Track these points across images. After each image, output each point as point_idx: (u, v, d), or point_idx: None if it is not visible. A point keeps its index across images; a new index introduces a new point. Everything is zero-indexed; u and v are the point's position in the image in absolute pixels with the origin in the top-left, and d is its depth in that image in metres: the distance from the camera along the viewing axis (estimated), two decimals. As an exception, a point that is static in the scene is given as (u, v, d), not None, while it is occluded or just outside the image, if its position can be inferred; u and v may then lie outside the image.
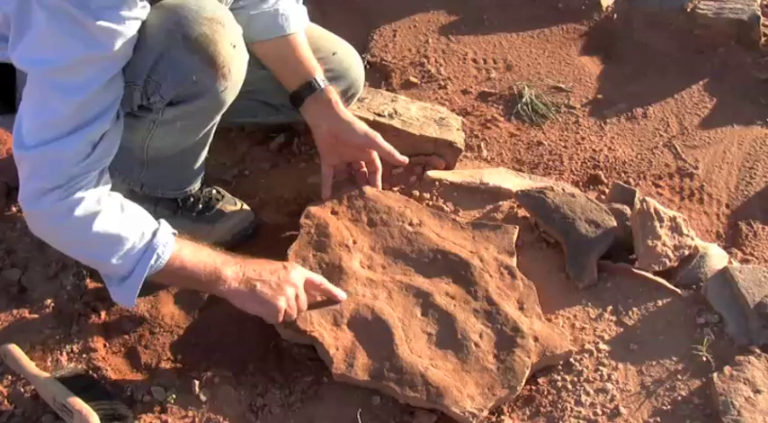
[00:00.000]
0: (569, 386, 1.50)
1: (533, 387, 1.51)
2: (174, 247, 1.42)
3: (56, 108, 1.32)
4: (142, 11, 1.34)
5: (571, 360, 1.53)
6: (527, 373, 1.48)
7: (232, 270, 1.46)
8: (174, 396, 1.48)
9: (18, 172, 1.39)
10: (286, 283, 1.48)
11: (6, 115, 1.60)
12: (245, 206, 1.81)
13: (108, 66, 1.34)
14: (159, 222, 1.45)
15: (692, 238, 1.68)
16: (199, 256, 1.45)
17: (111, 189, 1.72)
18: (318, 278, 1.55)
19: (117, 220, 1.39)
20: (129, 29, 1.32)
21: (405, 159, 1.75)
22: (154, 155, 1.59)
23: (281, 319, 1.49)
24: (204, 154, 1.68)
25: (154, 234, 1.41)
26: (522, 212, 1.80)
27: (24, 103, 1.35)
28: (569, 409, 1.47)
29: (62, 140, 1.33)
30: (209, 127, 1.59)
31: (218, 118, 1.57)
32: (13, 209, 1.83)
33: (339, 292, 1.56)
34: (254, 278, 1.47)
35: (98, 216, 1.37)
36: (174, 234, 1.46)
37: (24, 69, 1.34)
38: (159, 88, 1.42)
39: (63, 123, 1.33)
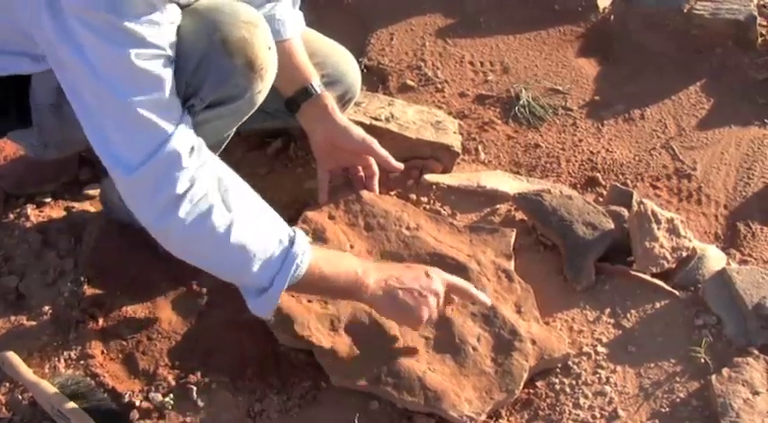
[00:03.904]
0: (567, 389, 1.50)
1: (531, 390, 1.51)
2: (311, 255, 1.38)
3: (145, 116, 1.28)
4: (175, 14, 1.34)
5: (569, 363, 1.53)
6: (525, 376, 1.48)
7: (373, 277, 1.43)
8: (171, 402, 1.47)
9: (134, 199, 1.34)
10: (428, 292, 1.45)
11: (19, 130, 1.60)
12: (244, 211, 1.80)
13: (164, 60, 1.31)
14: (294, 229, 1.41)
15: (690, 240, 1.68)
16: (338, 264, 1.42)
17: (112, 190, 1.72)
18: (461, 282, 1.52)
19: (253, 226, 1.35)
20: (169, 31, 1.32)
21: (400, 166, 1.75)
22: None
23: (419, 328, 1.48)
24: (216, 155, 1.67)
25: (291, 242, 1.37)
26: (519, 215, 1.80)
27: (106, 129, 1.30)
28: (568, 412, 1.47)
29: (170, 141, 1.29)
30: (232, 130, 1.58)
31: (242, 121, 1.56)
32: (11, 216, 1.82)
33: (484, 298, 1.53)
34: (396, 286, 1.43)
35: (236, 223, 1.33)
36: (310, 241, 1.42)
37: (92, 88, 1.28)
38: (199, 92, 1.40)
39: (162, 125, 1.29)
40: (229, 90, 1.43)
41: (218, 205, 1.33)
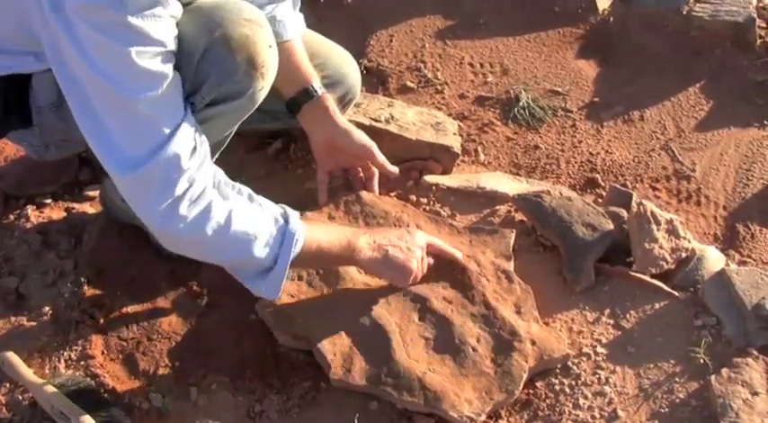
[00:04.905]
0: (567, 390, 1.50)
1: (531, 391, 1.51)
2: (305, 229, 1.44)
3: (147, 114, 1.29)
4: (177, 9, 1.34)
5: (569, 363, 1.54)
6: (525, 376, 1.48)
7: (364, 240, 1.51)
8: (171, 402, 1.48)
9: (135, 200, 1.35)
10: (414, 246, 1.55)
11: (19, 130, 1.60)
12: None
13: (166, 57, 1.32)
14: (283, 207, 1.45)
15: (689, 241, 1.68)
16: (330, 233, 1.50)
17: (112, 191, 1.72)
18: (437, 241, 1.62)
19: (251, 211, 1.40)
20: (171, 25, 1.32)
21: (395, 171, 1.76)
22: None
23: (410, 281, 1.56)
24: (217, 155, 1.67)
25: (286, 220, 1.42)
26: (519, 216, 1.80)
27: (106, 126, 1.30)
28: (567, 412, 1.47)
29: (172, 141, 1.30)
30: (234, 127, 1.59)
31: (244, 119, 1.57)
32: (11, 217, 1.83)
33: (456, 252, 1.63)
34: (384, 244, 1.52)
35: (234, 212, 1.36)
36: (300, 216, 1.47)
37: (94, 85, 1.29)
38: (201, 89, 1.41)
39: (163, 124, 1.30)
40: (231, 87, 1.43)
41: (216, 198, 1.36)
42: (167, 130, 1.30)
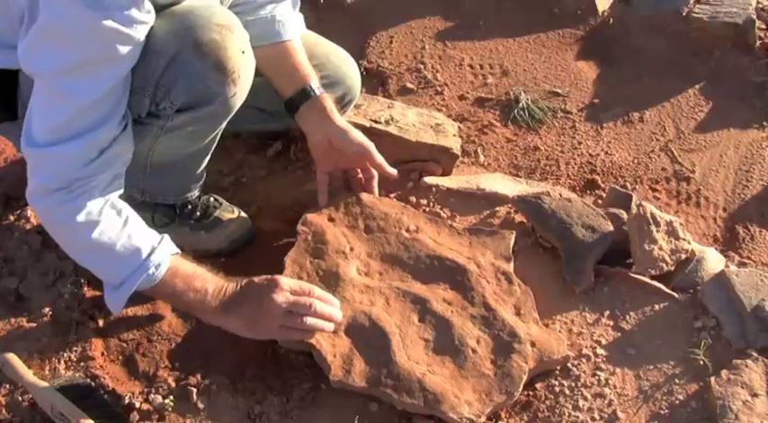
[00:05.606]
0: (567, 391, 1.50)
1: (531, 392, 1.51)
2: (165, 270, 1.44)
3: (61, 110, 1.34)
4: (149, 15, 1.35)
5: (568, 365, 1.54)
6: (524, 378, 1.48)
7: (222, 302, 1.46)
8: (171, 404, 1.47)
9: (28, 167, 1.41)
10: (268, 313, 1.46)
11: (7, 123, 1.61)
12: (243, 214, 1.81)
13: (115, 70, 1.35)
14: (161, 240, 1.46)
15: (689, 242, 1.68)
16: (192, 282, 1.46)
17: None
18: (307, 287, 1.51)
19: (115, 234, 1.41)
20: (138, 33, 1.33)
21: (394, 172, 1.76)
22: (158, 161, 1.59)
23: (283, 334, 1.50)
24: (207, 160, 1.68)
25: (150, 253, 1.43)
26: (518, 218, 1.80)
27: (34, 100, 1.37)
28: (567, 414, 1.47)
29: (66, 144, 1.35)
30: (215, 133, 1.59)
31: (224, 124, 1.57)
32: (11, 217, 1.83)
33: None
34: (242, 305, 1.47)
35: (97, 226, 1.39)
36: (174, 254, 1.47)
37: (31, 71, 1.35)
38: (169, 94, 1.42)
39: (67, 127, 1.35)
40: (201, 93, 1.44)
41: (89, 207, 1.39)
42: (68, 133, 1.35)
